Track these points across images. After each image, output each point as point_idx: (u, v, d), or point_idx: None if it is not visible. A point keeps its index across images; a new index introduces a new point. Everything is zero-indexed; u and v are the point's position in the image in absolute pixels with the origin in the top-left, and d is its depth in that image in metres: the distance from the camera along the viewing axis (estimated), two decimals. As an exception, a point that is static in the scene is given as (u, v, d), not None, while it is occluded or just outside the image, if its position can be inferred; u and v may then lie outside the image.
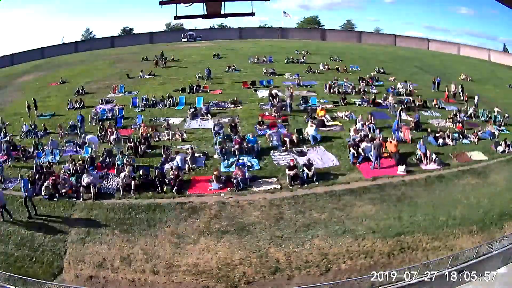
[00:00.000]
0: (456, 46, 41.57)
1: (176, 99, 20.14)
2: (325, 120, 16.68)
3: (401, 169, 12.83)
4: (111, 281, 8.84)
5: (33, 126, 16.76)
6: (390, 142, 13.86)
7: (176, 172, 12.01)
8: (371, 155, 13.27)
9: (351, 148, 13.67)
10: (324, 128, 16.23)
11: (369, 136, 14.55)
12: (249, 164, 13.17)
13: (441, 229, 10.29)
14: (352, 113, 17.80)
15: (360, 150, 13.58)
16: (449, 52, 40.46)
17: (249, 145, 13.94)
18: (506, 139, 14.90)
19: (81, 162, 12.87)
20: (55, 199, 11.43)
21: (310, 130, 15.32)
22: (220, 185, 11.85)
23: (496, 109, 18.43)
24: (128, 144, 14.35)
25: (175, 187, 11.67)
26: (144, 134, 15.07)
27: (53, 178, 11.79)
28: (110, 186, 12.19)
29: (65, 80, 26.20)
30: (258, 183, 12.16)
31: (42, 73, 29.89)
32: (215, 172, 12.08)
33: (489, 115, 18.23)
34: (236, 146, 13.63)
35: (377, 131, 15.25)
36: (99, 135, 15.59)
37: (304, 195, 11.60)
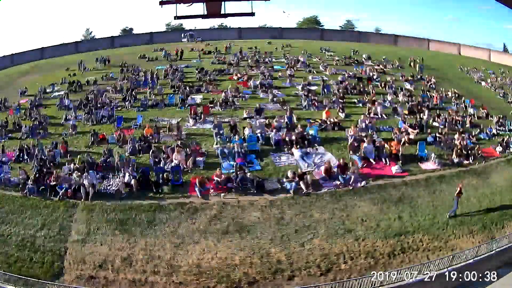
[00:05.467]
0: (456, 46, 41.56)
1: (176, 99, 20.19)
2: (329, 122, 16.64)
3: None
4: (112, 281, 8.83)
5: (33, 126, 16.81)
6: (391, 142, 13.91)
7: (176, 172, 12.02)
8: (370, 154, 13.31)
9: (352, 149, 13.69)
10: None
11: (368, 136, 14.56)
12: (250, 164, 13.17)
13: (441, 229, 10.31)
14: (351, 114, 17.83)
15: (360, 150, 13.61)
16: (449, 52, 40.46)
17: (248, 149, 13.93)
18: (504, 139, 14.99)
19: (80, 162, 12.89)
20: (55, 198, 11.44)
21: (310, 130, 15.34)
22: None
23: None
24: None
25: (175, 187, 11.68)
26: (146, 135, 15.10)
27: (54, 177, 11.82)
28: (110, 186, 12.18)
29: (65, 81, 26.17)
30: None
31: (42, 74, 29.84)
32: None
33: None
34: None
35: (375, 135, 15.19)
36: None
37: (304, 195, 11.61)
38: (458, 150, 13.74)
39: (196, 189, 11.68)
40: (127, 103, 19.93)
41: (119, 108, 19.54)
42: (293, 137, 14.56)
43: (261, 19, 49.79)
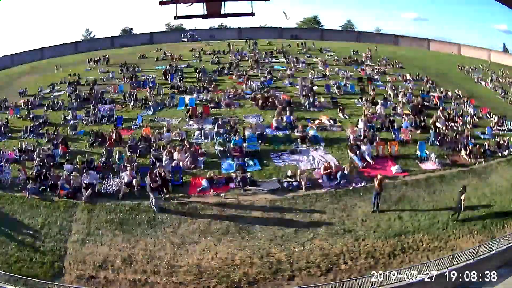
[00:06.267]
0: (456, 46, 41.64)
1: (176, 99, 20.20)
2: (327, 124, 16.60)
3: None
4: (112, 281, 8.83)
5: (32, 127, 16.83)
6: (390, 142, 13.91)
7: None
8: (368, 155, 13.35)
9: (352, 149, 13.68)
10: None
11: (368, 136, 14.56)
12: (250, 164, 13.15)
13: (441, 229, 10.31)
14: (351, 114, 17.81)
15: (360, 150, 13.60)
16: (449, 52, 40.51)
17: (248, 149, 13.91)
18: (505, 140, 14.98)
19: (80, 162, 12.88)
20: (55, 198, 11.43)
21: (310, 130, 15.33)
22: (209, 185, 11.82)
23: None
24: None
25: (175, 187, 11.66)
26: (144, 135, 15.08)
27: (54, 177, 11.82)
28: (110, 186, 12.18)
29: (65, 81, 26.19)
30: (259, 183, 12.13)
31: (42, 74, 29.87)
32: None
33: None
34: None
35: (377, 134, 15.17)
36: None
37: (304, 195, 11.61)
38: (459, 150, 13.73)
39: (205, 183, 11.83)
40: (129, 104, 19.94)
41: (121, 107, 19.55)
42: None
43: (261, 19, 49.89)
